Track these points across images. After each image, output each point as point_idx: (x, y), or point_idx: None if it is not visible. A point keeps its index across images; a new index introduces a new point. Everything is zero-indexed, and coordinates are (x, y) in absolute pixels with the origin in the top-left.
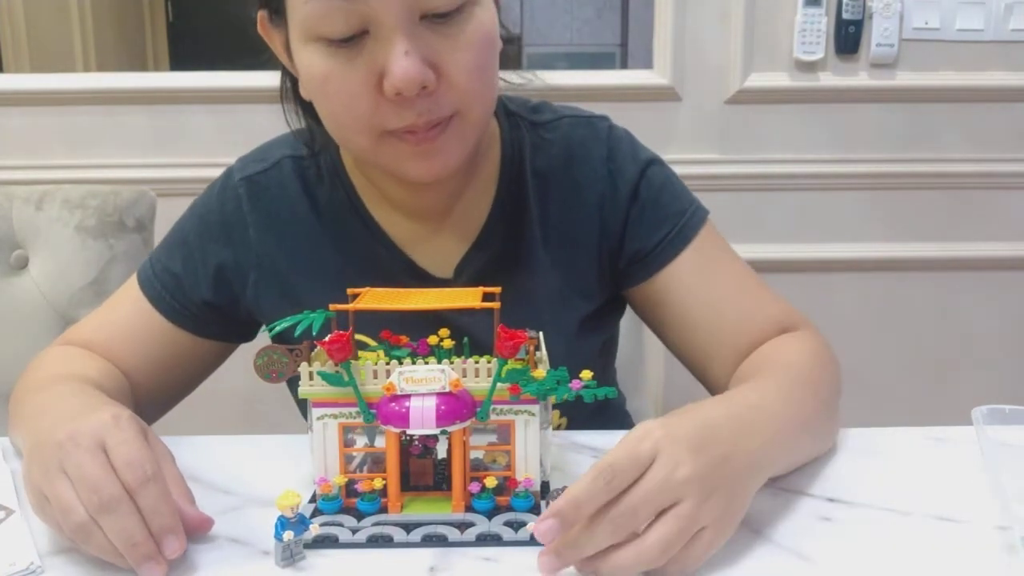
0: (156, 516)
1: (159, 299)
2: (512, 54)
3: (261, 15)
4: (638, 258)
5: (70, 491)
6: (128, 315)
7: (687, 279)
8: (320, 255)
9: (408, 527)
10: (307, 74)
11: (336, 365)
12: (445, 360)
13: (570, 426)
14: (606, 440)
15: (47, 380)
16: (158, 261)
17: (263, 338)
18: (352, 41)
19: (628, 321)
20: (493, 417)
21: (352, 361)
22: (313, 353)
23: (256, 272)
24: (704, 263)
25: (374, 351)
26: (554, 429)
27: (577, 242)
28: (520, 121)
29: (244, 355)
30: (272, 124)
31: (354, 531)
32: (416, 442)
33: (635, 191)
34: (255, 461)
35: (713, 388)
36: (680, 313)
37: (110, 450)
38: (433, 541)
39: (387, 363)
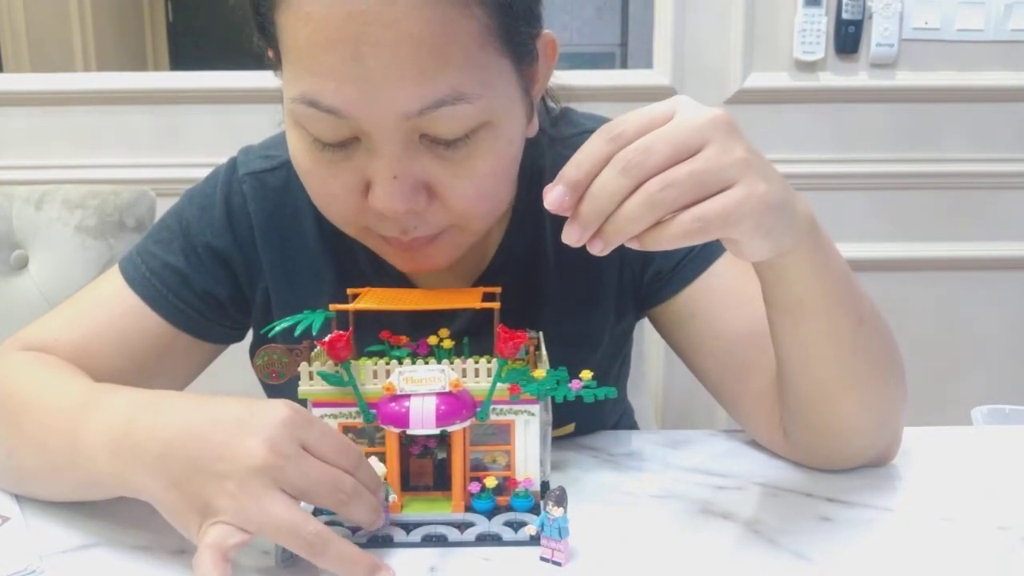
0: (371, 481)
1: (159, 298)
2: None
3: (270, 50)
4: (660, 277)
5: (290, 509)
6: (111, 316)
7: (719, 292)
8: (318, 279)
9: (408, 527)
10: (291, 154)
11: (336, 365)
12: (445, 360)
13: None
14: (607, 441)
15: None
16: (152, 257)
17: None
18: (341, 145)
19: None
20: (493, 417)
21: (352, 361)
22: (313, 353)
23: (254, 271)
24: (738, 275)
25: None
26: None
27: (595, 266)
28: (540, 136)
29: (243, 355)
30: (272, 125)
31: (354, 531)
32: (416, 442)
33: None
34: None
35: (754, 415)
36: (713, 330)
37: (313, 445)
38: (433, 541)
39: (387, 363)
